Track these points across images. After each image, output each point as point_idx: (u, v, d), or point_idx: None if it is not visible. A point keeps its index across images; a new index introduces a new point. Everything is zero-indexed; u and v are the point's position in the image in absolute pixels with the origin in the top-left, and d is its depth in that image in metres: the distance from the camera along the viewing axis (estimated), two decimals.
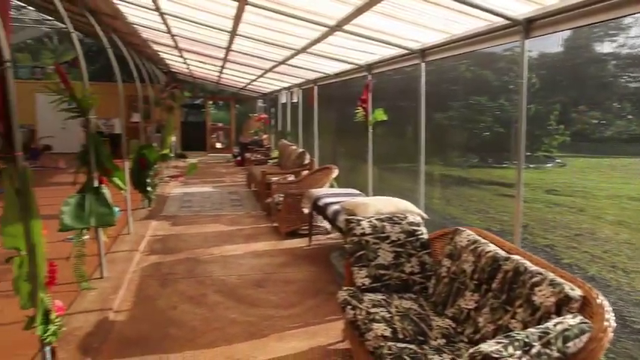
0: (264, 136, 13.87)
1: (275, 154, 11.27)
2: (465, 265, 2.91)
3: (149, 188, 7.22)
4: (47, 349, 2.94)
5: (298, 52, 6.14)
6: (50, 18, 13.89)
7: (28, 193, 2.59)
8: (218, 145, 17.21)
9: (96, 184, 4.19)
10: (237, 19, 5.07)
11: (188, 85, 15.75)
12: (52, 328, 2.87)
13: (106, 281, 4.43)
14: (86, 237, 4.09)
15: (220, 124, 17.92)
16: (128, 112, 13.91)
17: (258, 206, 8.03)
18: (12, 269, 2.81)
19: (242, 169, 12.69)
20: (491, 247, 2.82)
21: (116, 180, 4.48)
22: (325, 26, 4.53)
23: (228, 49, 7.34)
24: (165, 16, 6.09)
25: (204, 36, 6.94)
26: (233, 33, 5.93)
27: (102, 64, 14.83)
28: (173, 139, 11.41)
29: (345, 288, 3.23)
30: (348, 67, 6.42)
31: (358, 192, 5.71)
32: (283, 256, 5.46)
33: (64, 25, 13.76)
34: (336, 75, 7.20)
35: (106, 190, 4.23)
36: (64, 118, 4.04)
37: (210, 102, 17.84)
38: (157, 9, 5.65)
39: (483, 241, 2.95)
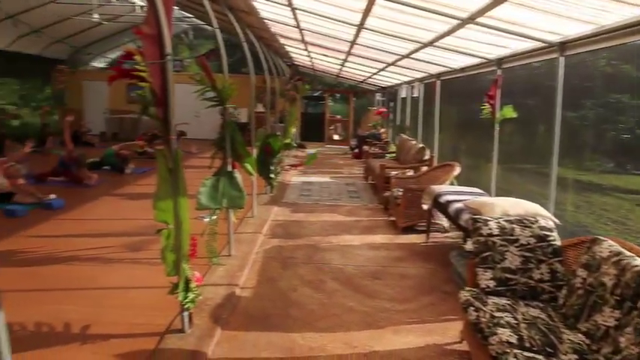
0: (383, 130, 13.84)
1: (392, 148, 11.21)
2: (605, 278, 2.65)
3: (272, 175, 7.62)
4: (185, 313, 3.25)
5: (424, 45, 6.03)
6: (189, 16, 15.18)
7: (179, 173, 2.88)
8: (335, 137, 17.54)
9: (229, 168, 4.51)
10: (367, 12, 5.11)
11: (308, 78, 16.26)
12: (191, 295, 3.17)
13: (233, 259, 4.77)
14: (216, 217, 4.44)
15: (338, 117, 18.23)
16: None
17: (375, 199, 8.07)
18: (159, 240, 3.15)
19: (359, 161, 12.81)
20: (639, 262, 2.53)
21: (247, 165, 4.79)
22: (457, 19, 4.39)
23: (353, 42, 7.44)
24: (296, 11, 6.33)
25: (331, 30, 7.10)
26: (360, 26, 5.99)
27: (232, 57, 15.89)
28: (294, 129, 11.86)
29: (467, 289, 3.13)
30: (475, 61, 6.16)
31: (481, 191, 5.47)
32: (399, 250, 5.43)
33: (202, 22, 14.80)
34: (462, 69, 6.94)
35: (237, 175, 4.54)
36: (206, 107, 4.39)
37: (329, 94, 18.22)
38: (290, 4, 5.90)
39: (628, 253, 2.66)
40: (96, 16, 12.77)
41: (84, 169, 8.19)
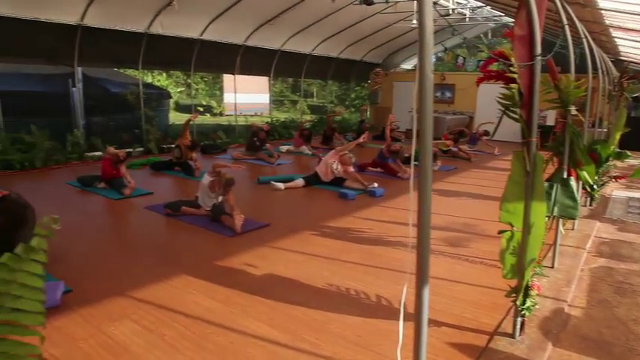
0: None
1: None
2: None
3: (595, 186, 6.78)
4: (519, 319, 3.18)
5: None
6: (500, 14, 14.77)
7: (538, 177, 2.81)
8: None
9: (565, 175, 4.20)
10: None
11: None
12: (528, 302, 3.08)
13: (556, 272, 4.44)
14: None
15: None
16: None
17: None
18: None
19: None
20: None
21: (584, 174, 4.37)
22: None
23: None
24: None
25: None
26: None
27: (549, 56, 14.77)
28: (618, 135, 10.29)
29: None
30: None
31: None
32: None
33: (510, 20, 14.09)
34: None
35: (573, 183, 4.19)
36: (546, 108, 4.17)
37: None
38: None
39: None
40: (414, 22, 13.82)
41: (400, 162, 8.96)
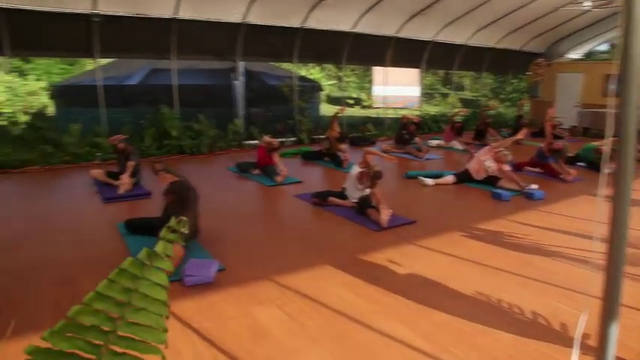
0: None
1: None
2: None
3: None
4: None
5: None
6: None
7: None
8: None
9: None
10: None
11: None
12: None
13: None
14: None
15: None
16: None
17: None
18: None
19: None
20: None
21: None
22: None
23: None
24: None
25: None
26: None
27: None
28: None
29: None
30: None
31: None
32: None
33: None
34: None
35: None
36: None
37: None
38: None
39: None
40: (587, 3, 12.24)
41: (563, 162, 8.01)
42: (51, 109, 12.91)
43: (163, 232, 1.21)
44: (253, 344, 2.93)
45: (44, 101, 13.61)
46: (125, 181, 6.61)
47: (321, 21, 11.46)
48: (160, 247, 1.20)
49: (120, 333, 1.13)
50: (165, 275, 1.19)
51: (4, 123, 10.62)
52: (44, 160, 8.58)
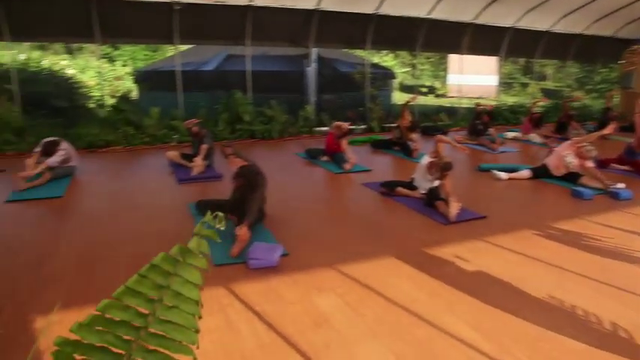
0: None
1: None
2: None
3: None
4: None
5: None
6: None
7: None
8: None
9: None
10: None
11: None
12: None
13: None
14: None
15: None
16: None
17: None
18: None
19: None
20: None
21: None
22: None
23: None
24: None
25: None
26: None
27: None
28: None
29: None
30: None
31: None
32: None
33: None
34: None
35: None
36: None
37: None
38: None
39: None
40: None
41: None
42: (134, 93, 13.67)
43: (197, 228, 1.13)
44: (311, 331, 2.95)
45: (129, 86, 14.45)
46: (198, 164, 6.89)
47: (396, 7, 11.20)
48: (193, 243, 1.13)
49: (151, 330, 1.10)
50: (198, 273, 1.13)
51: (93, 106, 11.41)
52: (126, 140, 9.13)
